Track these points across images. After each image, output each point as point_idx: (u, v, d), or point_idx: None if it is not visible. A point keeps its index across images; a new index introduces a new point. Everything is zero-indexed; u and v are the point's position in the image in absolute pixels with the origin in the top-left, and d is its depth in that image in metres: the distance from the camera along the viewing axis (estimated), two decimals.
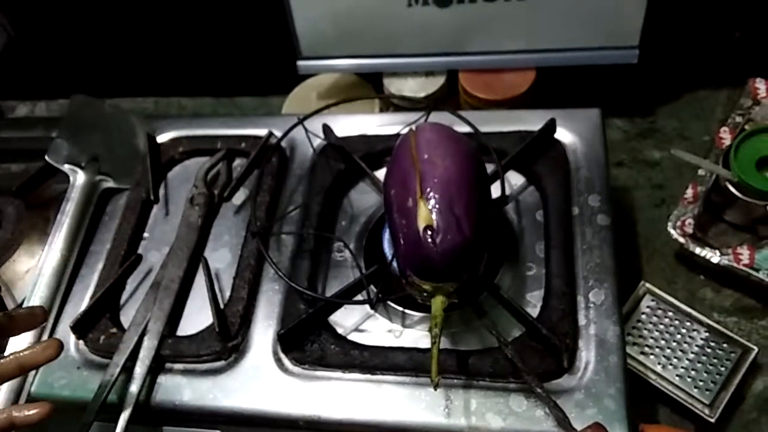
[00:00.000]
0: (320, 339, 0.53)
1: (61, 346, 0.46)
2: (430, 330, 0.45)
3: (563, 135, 0.60)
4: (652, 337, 0.59)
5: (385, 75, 0.75)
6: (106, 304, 0.58)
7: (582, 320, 0.50)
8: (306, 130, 0.64)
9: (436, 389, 0.44)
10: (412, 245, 0.45)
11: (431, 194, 0.45)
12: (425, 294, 0.46)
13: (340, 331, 0.54)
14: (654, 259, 0.65)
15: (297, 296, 0.55)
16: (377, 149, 0.63)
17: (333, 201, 0.62)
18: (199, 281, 0.59)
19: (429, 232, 0.44)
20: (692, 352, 0.57)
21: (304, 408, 0.50)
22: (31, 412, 0.44)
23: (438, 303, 0.45)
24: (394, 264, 0.53)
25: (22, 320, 0.47)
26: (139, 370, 0.53)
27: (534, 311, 0.51)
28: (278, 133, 0.64)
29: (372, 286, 0.54)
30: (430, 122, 0.54)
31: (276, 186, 0.63)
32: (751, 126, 0.64)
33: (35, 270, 0.60)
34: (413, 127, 0.52)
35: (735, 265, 0.59)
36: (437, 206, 0.45)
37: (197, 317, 0.57)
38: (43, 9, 0.85)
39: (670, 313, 0.60)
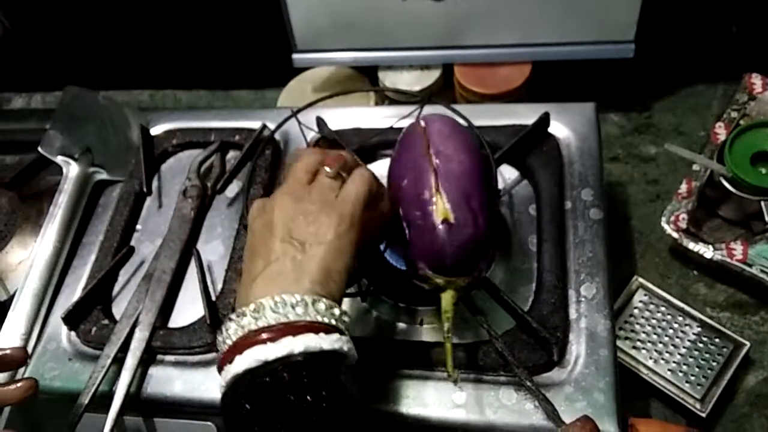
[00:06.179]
0: None
1: (35, 387, 0.47)
2: (442, 325, 0.44)
3: (557, 129, 0.60)
4: (644, 332, 0.58)
5: (380, 68, 0.75)
6: (98, 295, 0.58)
7: (573, 314, 0.50)
8: (299, 123, 0.64)
9: (455, 384, 0.43)
10: (426, 238, 0.44)
11: (448, 188, 0.45)
12: (438, 288, 0.45)
13: None
14: (648, 254, 0.65)
15: None
16: (371, 142, 0.62)
17: None
18: (192, 273, 0.59)
19: (447, 226, 0.44)
20: (684, 347, 0.57)
21: None
22: (16, 387, 0.46)
23: (448, 298, 0.45)
24: (387, 257, 0.53)
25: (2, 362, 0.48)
26: (131, 361, 0.53)
27: (526, 305, 0.51)
28: (272, 126, 0.64)
29: (364, 279, 0.54)
30: (439, 114, 0.53)
31: (269, 178, 0.62)
32: (746, 121, 0.64)
33: (28, 261, 0.61)
34: (421, 120, 0.51)
35: (728, 260, 0.59)
36: (454, 200, 0.44)
37: (189, 309, 0.57)
38: (40, 1, 0.85)
39: (663, 308, 0.59)
